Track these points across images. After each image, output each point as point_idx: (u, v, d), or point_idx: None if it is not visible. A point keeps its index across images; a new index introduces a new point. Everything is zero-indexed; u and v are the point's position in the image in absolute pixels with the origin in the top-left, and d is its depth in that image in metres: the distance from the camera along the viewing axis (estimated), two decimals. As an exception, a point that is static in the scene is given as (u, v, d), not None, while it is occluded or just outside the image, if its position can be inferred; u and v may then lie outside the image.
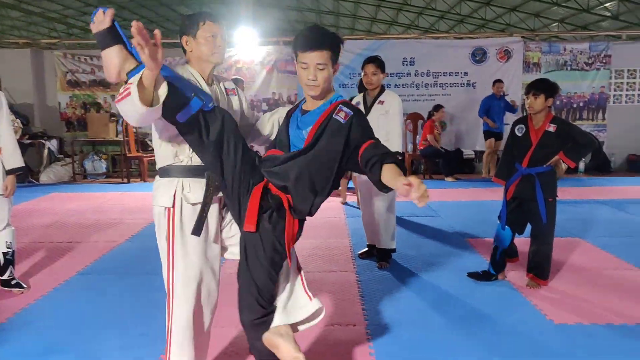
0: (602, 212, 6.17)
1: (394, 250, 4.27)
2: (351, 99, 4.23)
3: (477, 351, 2.75)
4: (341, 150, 1.99)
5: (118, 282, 3.88)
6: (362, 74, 4.20)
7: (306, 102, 2.13)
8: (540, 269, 3.66)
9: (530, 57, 9.90)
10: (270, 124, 2.41)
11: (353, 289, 3.67)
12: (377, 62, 4.10)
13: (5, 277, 3.64)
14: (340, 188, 6.83)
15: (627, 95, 10.04)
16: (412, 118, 9.48)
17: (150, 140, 10.01)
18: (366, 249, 4.47)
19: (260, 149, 2.36)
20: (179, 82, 1.95)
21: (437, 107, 9.06)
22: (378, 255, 4.25)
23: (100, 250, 4.71)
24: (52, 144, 9.53)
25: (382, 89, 4.20)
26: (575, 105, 10.00)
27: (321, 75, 1.99)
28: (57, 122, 10.11)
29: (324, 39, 2.00)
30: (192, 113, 1.92)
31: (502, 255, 3.77)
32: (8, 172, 3.54)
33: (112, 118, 9.59)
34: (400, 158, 4.08)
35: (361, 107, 4.19)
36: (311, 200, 2.02)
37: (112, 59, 1.96)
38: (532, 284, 3.67)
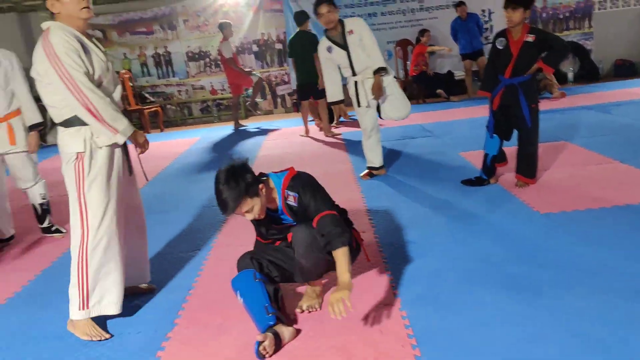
0: (588, 116, 6.48)
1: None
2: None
3: (472, 241, 3.14)
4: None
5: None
6: (318, 16, 4.37)
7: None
8: (527, 169, 4.01)
9: (514, -29, 9.89)
10: None
11: (359, 203, 4.05)
12: (327, 1, 4.31)
13: (45, 225, 4.02)
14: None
15: (611, 0, 10.10)
16: (401, 45, 9.62)
17: (149, 93, 10.22)
18: (366, 170, 4.82)
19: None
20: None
21: (423, 32, 9.20)
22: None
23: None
24: (53, 106, 9.74)
25: (341, 22, 4.42)
26: (561, 16, 10.09)
27: (252, 214, 2.32)
28: (53, 84, 10.26)
29: None
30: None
31: (492, 161, 4.12)
32: (30, 128, 3.79)
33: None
34: (383, 75, 4.34)
35: (336, 48, 4.46)
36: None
37: None
38: (521, 183, 4.04)
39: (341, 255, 2.21)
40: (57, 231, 4.04)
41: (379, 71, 4.36)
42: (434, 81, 9.35)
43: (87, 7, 2.36)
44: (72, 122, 2.38)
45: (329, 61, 4.59)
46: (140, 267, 2.85)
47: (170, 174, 5.90)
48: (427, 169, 4.88)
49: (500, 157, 4.17)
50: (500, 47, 3.89)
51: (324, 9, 4.30)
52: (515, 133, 4.04)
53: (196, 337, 2.39)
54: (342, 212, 2.57)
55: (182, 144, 7.84)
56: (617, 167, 4.27)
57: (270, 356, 2.15)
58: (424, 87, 9.49)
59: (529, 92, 3.84)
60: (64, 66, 2.25)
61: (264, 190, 2.32)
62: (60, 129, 2.43)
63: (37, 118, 3.81)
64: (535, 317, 2.25)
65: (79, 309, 2.41)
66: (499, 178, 4.27)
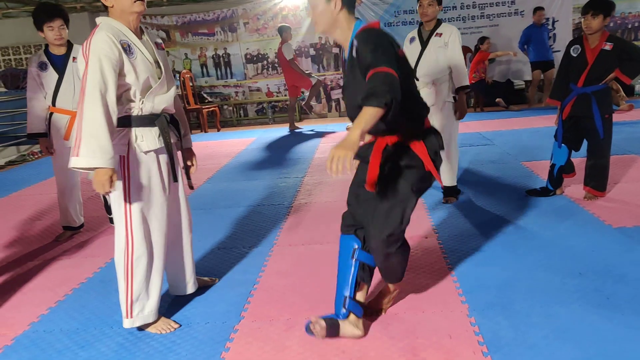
0: (659, 130, 6.22)
1: (457, 190, 4.30)
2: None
3: (541, 251, 3.06)
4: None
5: (207, 214, 4.35)
6: (418, 5, 4.00)
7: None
8: (597, 181, 3.88)
9: (581, -21, 9.62)
10: None
11: (420, 208, 4.01)
12: None
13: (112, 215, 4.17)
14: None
15: (685, 11, 9.66)
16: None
17: (207, 93, 10.45)
18: None
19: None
20: None
21: (483, 39, 9.04)
22: (445, 191, 4.23)
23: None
24: (116, 103, 10.10)
25: (438, 22, 4.05)
26: (630, 26, 9.72)
27: (313, 13, 2.16)
28: (117, 82, 10.65)
29: None
30: None
31: (559, 172, 4.01)
32: None
33: (169, 74, 10.04)
34: (468, 91, 4.15)
35: (416, 41, 4.14)
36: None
37: None
38: (590, 195, 3.91)
39: (365, 112, 1.81)
40: (124, 222, 4.18)
41: (464, 89, 4.05)
42: (492, 90, 9.18)
43: (140, 0, 2.27)
44: (118, 122, 2.26)
45: (406, 52, 4.30)
46: (185, 273, 2.75)
47: (230, 172, 6.02)
48: (489, 176, 4.79)
49: (568, 168, 4.05)
50: (575, 55, 3.78)
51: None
52: (584, 144, 3.93)
53: (264, 331, 2.42)
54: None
55: (239, 144, 7.98)
56: (694, 184, 4.07)
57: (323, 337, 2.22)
58: (483, 95, 9.32)
59: (603, 102, 3.72)
60: (87, 66, 2.16)
61: (337, 5, 2.10)
62: None
63: None
64: (613, 332, 2.17)
65: (126, 317, 2.43)
66: (564, 189, 4.15)
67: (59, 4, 3.84)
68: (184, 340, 2.41)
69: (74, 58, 3.78)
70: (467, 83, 4.05)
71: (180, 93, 9.50)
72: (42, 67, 3.74)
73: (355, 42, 2.06)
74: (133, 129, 2.31)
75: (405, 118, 2.12)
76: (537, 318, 2.33)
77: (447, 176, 4.18)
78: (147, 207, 2.38)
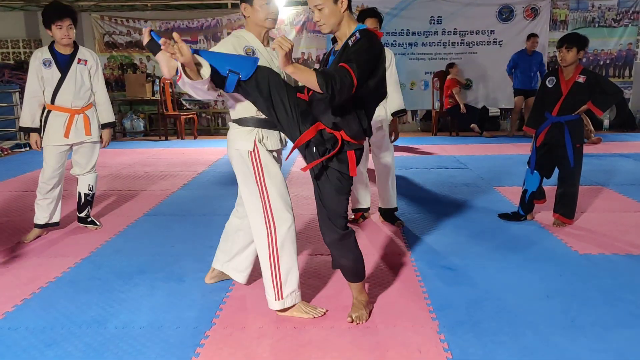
0: (625, 164, 6.44)
1: (396, 209, 4.21)
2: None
3: (510, 273, 3.13)
4: None
5: (181, 221, 4.32)
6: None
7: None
8: (566, 209, 4.00)
9: (557, 15, 9.97)
10: None
11: (395, 228, 4.07)
12: (378, 16, 3.89)
13: (82, 214, 4.11)
14: None
15: (654, 52, 10.08)
16: (439, 76, 9.70)
17: (186, 100, 10.42)
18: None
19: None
20: (215, 63, 2.28)
21: (450, 65, 9.29)
22: (388, 215, 4.17)
23: (158, 197, 5.17)
24: (93, 104, 9.98)
25: None
26: (601, 63, 10.09)
27: (320, 14, 2.28)
28: (96, 83, 10.53)
29: None
30: (233, 86, 2.31)
31: (531, 198, 4.12)
32: (103, 126, 4.04)
33: (149, 78, 9.98)
34: (402, 115, 4.11)
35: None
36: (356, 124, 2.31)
37: (161, 61, 2.28)
38: (558, 222, 4.03)
39: (309, 74, 2.09)
40: (92, 223, 4.13)
41: (399, 113, 3.97)
42: (468, 115, 9.38)
43: (272, 19, 2.56)
44: (247, 121, 2.53)
45: None
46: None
47: (206, 180, 5.99)
48: (463, 199, 4.89)
49: (539, 195, 4.17)
50: (550, 86, 3.92)
51: (372, 23, 3.80)
52: (556, 172, 4.05)
53: (235, 338, 2.42)
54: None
55: (216, 152, 7.95)
56: (657, 216, 4.23)
57: None
58: (458, 120, 9.52)
59: (575, 132, 3.85)
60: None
61: (343, 4, 2.28)
62: (233, 125, 2.59)
63: (110, 117, 4.08)
64: (577, 355, 2.24)
65: (275, 300, 2.55)
66: (535, 215, 4.26)
67: (69, 5, 3.84)
68: (153, 343, 2.38)
69: (80, 60, 3.80)
70: (402, 107, 3.99)
71: (159, 99, 9.45)
72: (46, 63, 3.74)
73: (357, 35, 2.25)
74: (259, 129, 2.53)
75: (349, 120, 2.31)
76: (505, 337, 2.38)
77: (392, 199, 4.15)
78: (283, 192, 2.56)
